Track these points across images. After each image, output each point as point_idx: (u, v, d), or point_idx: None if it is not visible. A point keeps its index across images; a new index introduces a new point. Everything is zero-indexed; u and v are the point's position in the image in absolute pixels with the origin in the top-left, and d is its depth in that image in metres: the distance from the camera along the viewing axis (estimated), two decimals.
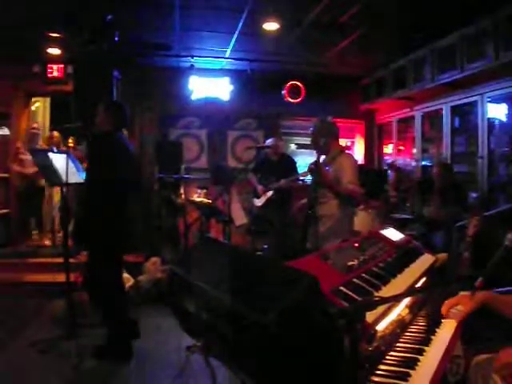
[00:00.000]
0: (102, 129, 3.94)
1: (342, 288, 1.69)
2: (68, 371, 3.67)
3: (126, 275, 5.55)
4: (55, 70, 7.71)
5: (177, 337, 3.78)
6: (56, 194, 6.81)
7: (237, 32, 6.50)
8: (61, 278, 4.59)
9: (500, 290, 2.05)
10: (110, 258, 3.96)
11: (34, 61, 7.68)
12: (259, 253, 6.22)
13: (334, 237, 3.57)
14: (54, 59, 7.60)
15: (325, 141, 3.80)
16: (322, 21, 5.84)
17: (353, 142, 9.59)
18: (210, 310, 1.58)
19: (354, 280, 1.83)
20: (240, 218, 5.21)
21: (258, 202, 6.50)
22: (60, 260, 4.54)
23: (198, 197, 6.31)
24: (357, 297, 1.66)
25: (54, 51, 7.30)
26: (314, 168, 3.68)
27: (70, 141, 6.97)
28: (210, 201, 5.62)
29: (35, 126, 7.95)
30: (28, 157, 6.70)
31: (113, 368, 3.80)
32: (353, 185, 3.60)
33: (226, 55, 7.76)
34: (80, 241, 4.14)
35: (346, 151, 4.05)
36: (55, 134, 7.45)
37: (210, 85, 8.31)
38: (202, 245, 2.19)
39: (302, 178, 6.56)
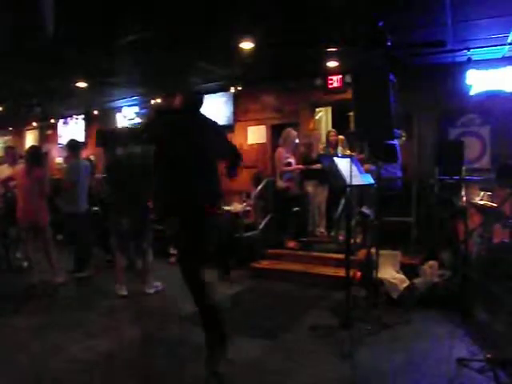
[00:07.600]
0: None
1: None
2: (337, 358, 3.89)
3: (401, 276, 5.61)
4: (335, 81, 8.54)
5: (448, 345, 3.69)
6: None
7: None
8: (341, 272, 4.97)
9: None
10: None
11: (316, 75, 8.64)
12: None
13: None
14: (333, 71, 8.37)
15: None
16: None
17: None
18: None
19: None
20: None
21: None
22: (341, 256, 5.01)
23: (481, 200, 5.91)
24: None
25: (333, 64, 7.99)
26: None
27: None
28: (495, 204, 5.26)
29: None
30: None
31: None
32: None
33: (508, 41, 6.92)
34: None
35: None
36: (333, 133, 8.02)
37: (491, 77, 7.67)
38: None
39: None
